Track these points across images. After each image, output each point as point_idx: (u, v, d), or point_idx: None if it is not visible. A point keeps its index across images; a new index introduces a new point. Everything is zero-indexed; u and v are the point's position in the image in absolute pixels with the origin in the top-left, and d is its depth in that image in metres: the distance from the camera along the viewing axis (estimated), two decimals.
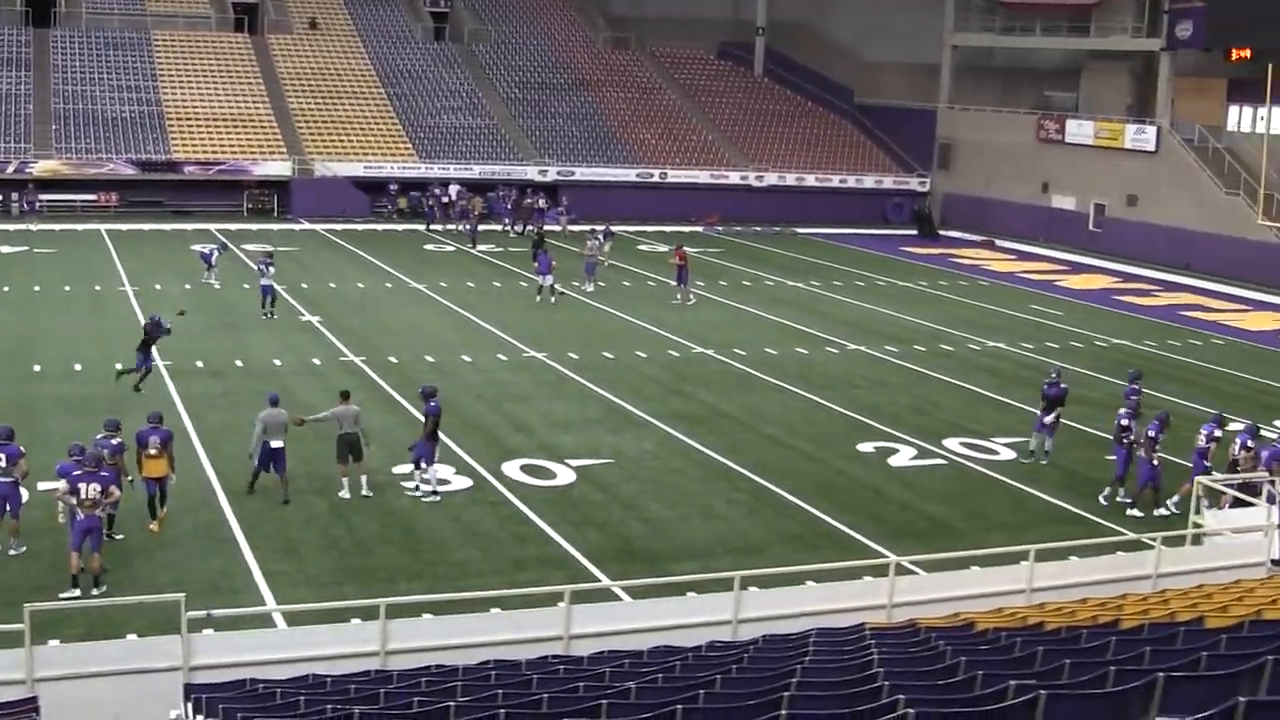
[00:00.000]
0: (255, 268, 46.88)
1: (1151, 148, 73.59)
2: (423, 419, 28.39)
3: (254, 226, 68.37)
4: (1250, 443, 28.05)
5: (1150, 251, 71.18)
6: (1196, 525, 25.31)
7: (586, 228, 60.00)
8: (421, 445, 27.90)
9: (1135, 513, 28.87)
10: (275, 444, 26.90)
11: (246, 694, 15.73)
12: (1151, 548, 22.80)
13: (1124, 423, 29.85)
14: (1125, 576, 22.34)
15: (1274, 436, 29.56)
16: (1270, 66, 62.25)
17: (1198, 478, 26.56)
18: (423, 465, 27.93)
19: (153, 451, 25.09)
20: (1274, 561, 23.84)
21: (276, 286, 46.04)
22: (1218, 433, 29.15)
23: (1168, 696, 10.78)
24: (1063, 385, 32.63)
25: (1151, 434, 28.88)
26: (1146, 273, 68.27)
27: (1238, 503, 26.08)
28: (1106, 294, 61.14)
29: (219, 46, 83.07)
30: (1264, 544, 24.03)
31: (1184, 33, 71.62)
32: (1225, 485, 26.50)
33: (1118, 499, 29.58)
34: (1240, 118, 75.71)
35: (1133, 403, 32.12)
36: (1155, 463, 28.72)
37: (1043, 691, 10.49)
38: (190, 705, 15.65)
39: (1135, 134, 74.78)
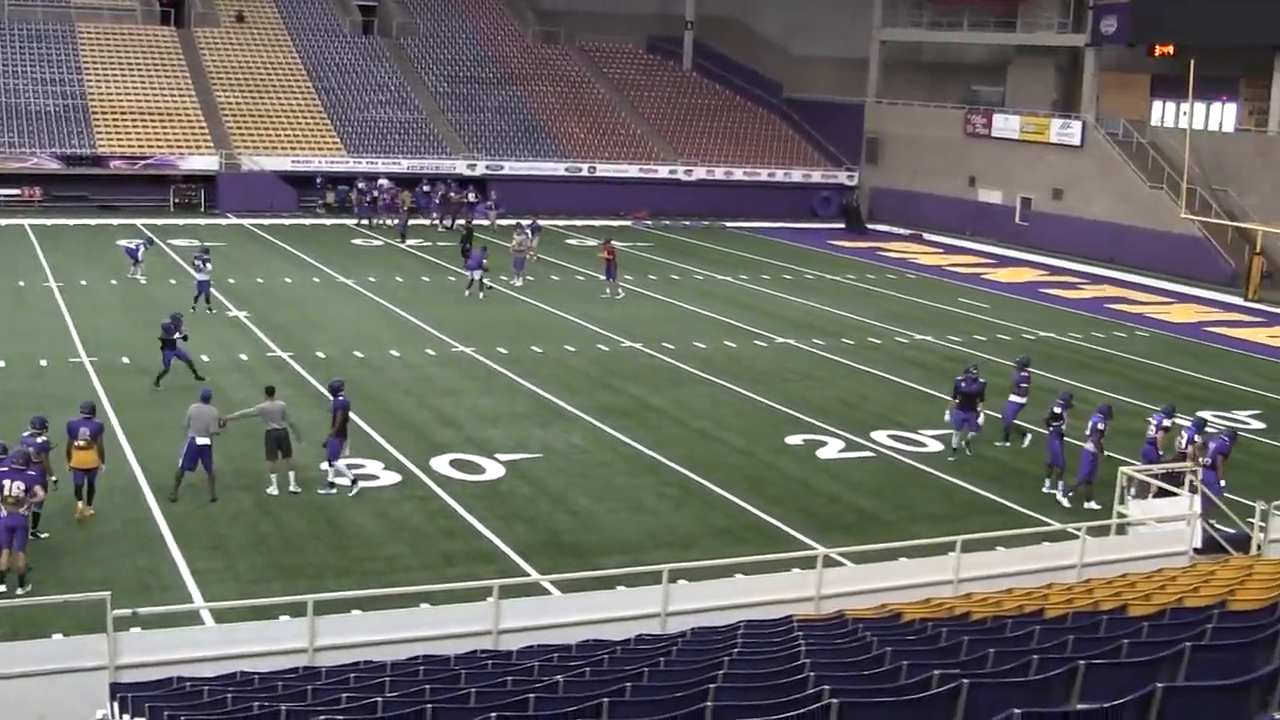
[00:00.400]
0: (194, 263, 46.48)
1: (1077, 142, 74.16)
2: (331, 415, 28.21)
3: (180, 221, 67.90)
4: (1197, 437, 28.32)
5: (1076, 245, 71.78)
6: (1121, 515, 25.55)
7: (514, 222, 59.93)
8: (332, 442, 27.78)
9: (1064, 502, 29.10)
10: (201, 441, 26.71)
11: (173, 692, 15.66)
12: (1077, 538, 23.03)
13: (1057, 411, 30.06)
14: (1051, 566, 22.56)
15: (1214, 430, 29.78)
16: (1193, 62, 62.78)
17: (1124, 469, 26.75)
18: (330, 463, 27.80)
19: (81, 443, 25.03)
20: (1196, 550, 24.13)
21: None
22: (1167, 423, 29.42)
23: (1088, 683, 10.90)
24: (981, 380, 32.69)
25: (1100, 426, 29.09)
26: (1072, 266, 68.85)
27: (1161, 493, 26.35)
28: (1033, 287, 61.54)
29: (145, 39, 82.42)
30: (1186, 533, 24.32)
31: (1108, 28, 72.21)
32: (1149, 475, 26.74)
33: (1044, 490, 29.84)
34: (1164, 113, 76.58)
35: (1024, 390, 33.29)
36: (1103, 454, 28.87)
37: (965, 680, 10.59)
38: (116, 704, 15.57)
39: (1061, 128, 75.33)
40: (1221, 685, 10.08)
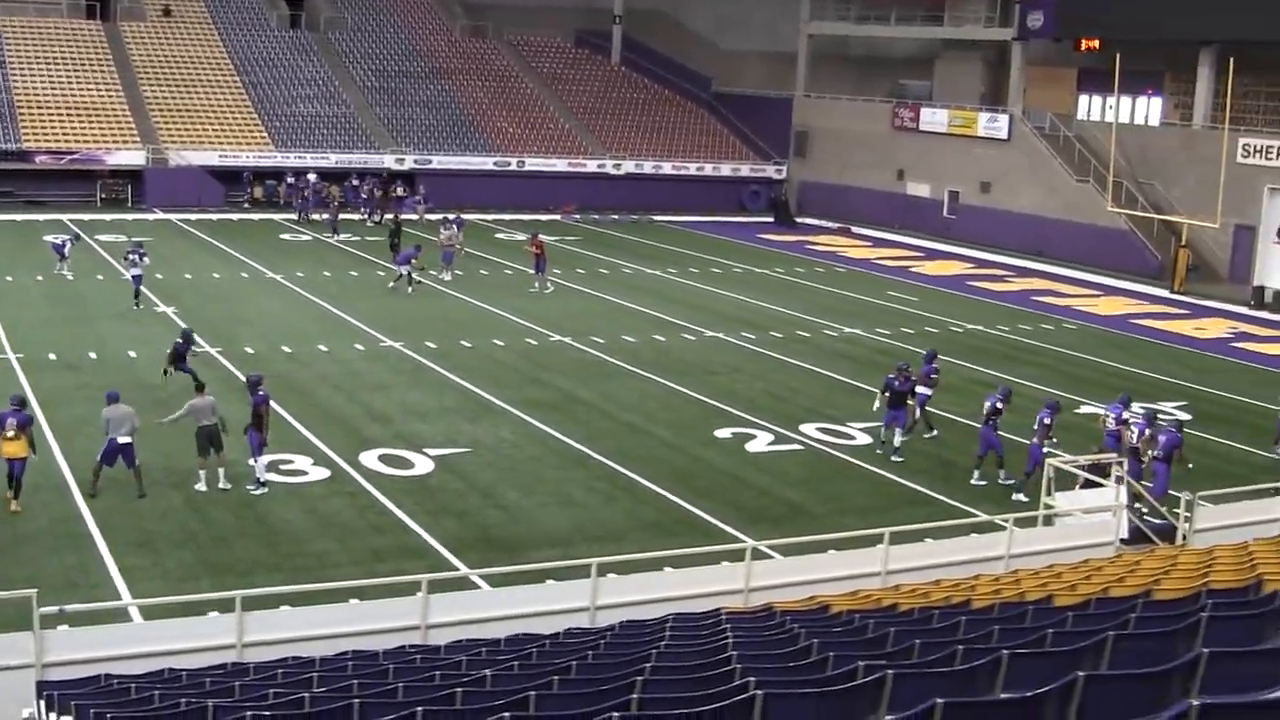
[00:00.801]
0: (126, 258, 46.21)
1: (1004, 136, 74.55)
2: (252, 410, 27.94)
3: (108, 216, 67.48)
4: (1147, 430, 28.61)
5: (1003, 238, 72.16)
6: (1048, 506, 25.74)
7: (441, 216, 59.88)
8: (252, 435, 27.64)
9: (1020, 497, 29.20)
10: (123, 440, 26.58)
11: (100, 690, 15.58)
12: (1004, 529, 23.19)
13: (999, 406, 30.23)
14: (978, 558, 22.72)
15: (1164, 423, 30.08)
16: (1118, 57, 63.29)
17: (1051, 461, 26.93)
18: (255, 459, 27.64)
19: (10, 434, 25.12)
20: (1123, 541, 24.35)
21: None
22: (1125, 415, 29.68)
23: (1012, 673, 10.99)
24: (913, 379, 32.82)
25: (1047, 421, 29.32)
26: (1000, 259, 69.22)
27: (1088, 484, 26.56)
28: (960, 280, 61.87)
29: (70, 33, 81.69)
30: (1112, 524, 24.53)
31: (1035, 23, 72.66)
32: (1075, 467, 26.94)
33: (971, 482, 30.06)
34: (1090, 106, 77.10)
35: (933, 381, 33.71)
36: (1046, 449, 29.00)
37: (890, 671, 10.66)
38: (43, 703, 15.48)
39: (988, 122, 75.70)
40: (1143, 674, 10.19)
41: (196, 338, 36.40)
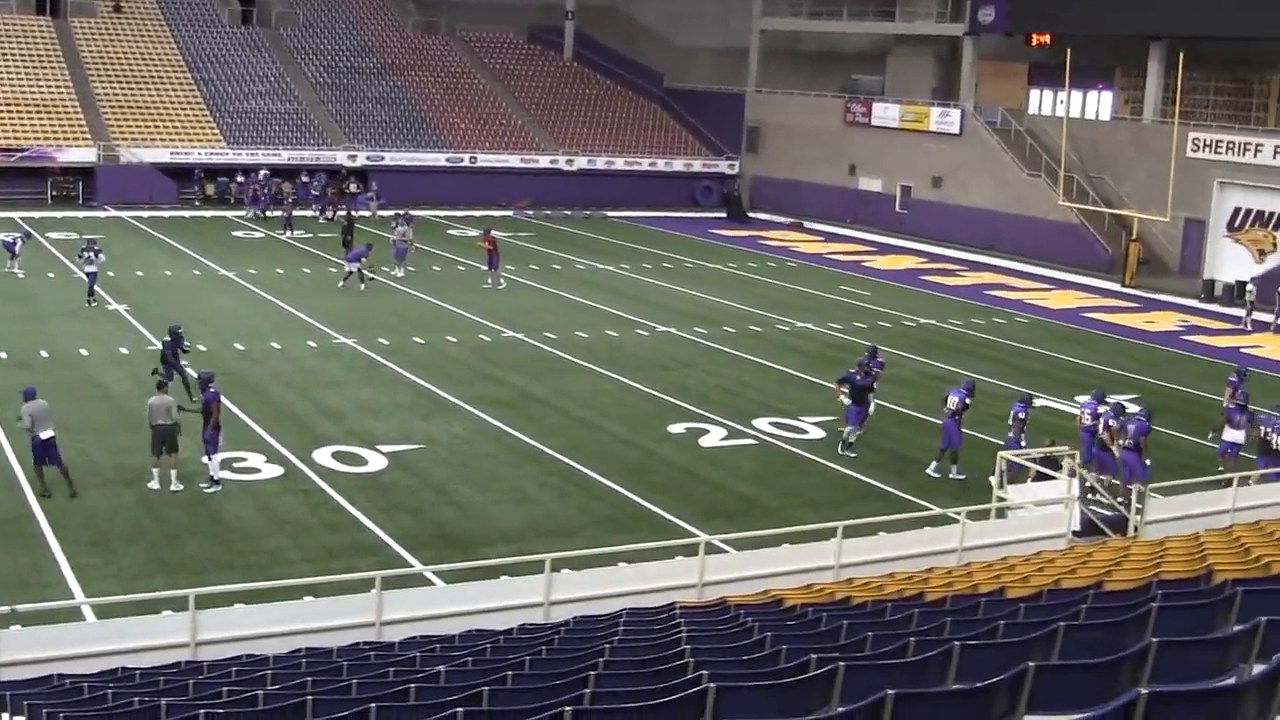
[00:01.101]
0: (81, 255, 45.98)
1: (956, 130, 74.76)
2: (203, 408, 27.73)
3: (59, 214, 67.03)
4: (1113, 422, 28.78)
5: (955, 232, 72.34)
6: (1000, 499, 25.84)
7: (394, 213, 59.73)
8: (207, 434, 27.51)
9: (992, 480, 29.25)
10: (45, 435, 26.37)
11: (53, 690, 15.53)
12: (957, 522, 23.28)
13: (966, 402, 30.34)
14: (932, 550, 22.79)
15: (1133, 413, 30.21)
16: (1069, 51, 63.55)
17: (1002, 454, 27.02)
18: (208, 457, 27.51)
19: None
20: (1075, 533, 24.48)
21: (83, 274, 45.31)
22: (1100, 409, 29.82)
23: (964, 664, 11.05)
24: (872, 373, 32.94)
25: (1021, 415, 29.48)
26: (952, 253, 69.36)
27: (1040, 476, 26.67)
28: (913, 274, 62.03)
29: (19, 29, 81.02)
30: (1064, 516, 24.65)
31: (986, 18, 72.94)
32: (1027, 459, 27.05)
33: (926, 472, 30.19)
34: (1041, 101, 77.36)
35: (876, 375, 33.47)
36: (1023, 443, 29.09)
37: (842, 663, 10.71)
38: None
39: (940, 117, 75.92)
40: (1094, 663, 10.27)
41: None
